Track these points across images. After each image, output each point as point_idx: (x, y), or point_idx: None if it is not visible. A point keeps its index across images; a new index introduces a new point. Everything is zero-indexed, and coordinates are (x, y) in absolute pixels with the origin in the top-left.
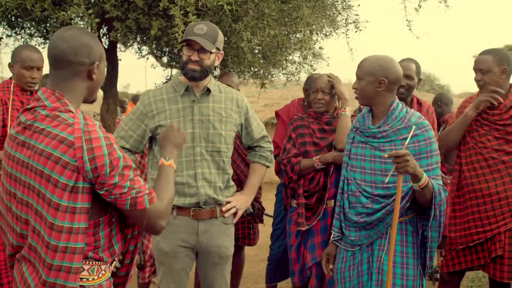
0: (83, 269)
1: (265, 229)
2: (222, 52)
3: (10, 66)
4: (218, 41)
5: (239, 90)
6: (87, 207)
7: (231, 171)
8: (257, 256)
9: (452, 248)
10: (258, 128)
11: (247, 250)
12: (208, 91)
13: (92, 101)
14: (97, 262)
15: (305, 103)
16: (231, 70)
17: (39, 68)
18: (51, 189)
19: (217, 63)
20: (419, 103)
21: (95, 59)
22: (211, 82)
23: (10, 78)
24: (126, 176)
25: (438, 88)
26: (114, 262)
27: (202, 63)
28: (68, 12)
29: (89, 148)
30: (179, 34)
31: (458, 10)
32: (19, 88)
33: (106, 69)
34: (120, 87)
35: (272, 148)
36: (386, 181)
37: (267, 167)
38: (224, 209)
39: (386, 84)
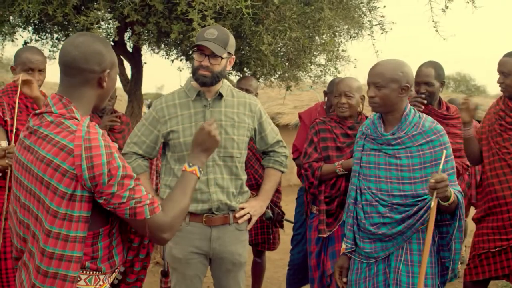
0: (80, 279)
1: (290, 233)
2: (234, 56)
3: (12, 69)
4: (229, 45)
5: (257, 94)
6: (86, 216)
7: (244, 177)
8: (282, 260)
9: (475, 254)
10: (273, 133)
11: (272, 254)
12: (220, 95)
13: (102, 110)
14: (95, 272)
15: (326, 107)
16: (255, 73)
17: (40, 70)
18: (50, 196)
19: (229, 67)
20: (447, 107)
21: (106, 67)
22: (223, 86)
23: (14, 81)
24: (126, 186)
25: (474, 88)
26: (115, 273)
27: (213, 68)
28: (89, 17)
29: (88, 156)
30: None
31: (496, 9)
32: (21, 91)
33: (130, 73)
34: (154, 89)
35: (287, 153)
36: (432, 205)
37: (282, 172)
38: (237, 215)
39: (408, 90)
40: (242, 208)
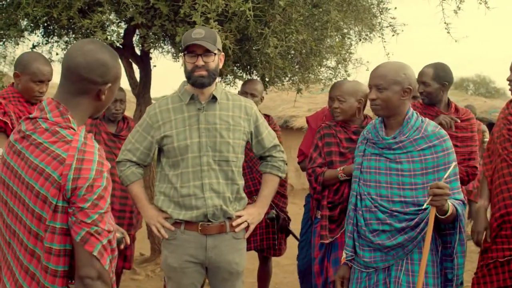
0: None
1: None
2: (223, 53)
3: (16, 75)
4: (218, 42)
5: (263, 98)
6: (67, 228)
7: (241, 182)
8: (292, 265)
9: (483, 263)
10: (269, 137)
11: (282, 259)
12: (214, 98)
13: (97, 118)
14: None
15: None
16: (263, 76)
17: (49, 81)
18: (40, 205)
19: (220, 65)
20: (457, 109)
21: (108, 80)
22: (217, 89)
23: (11, 85)
24: (98, 209)
25: (494, 91)
26: None
27: (208, 67)
28: (93, 20)
29: (77, 168)
30: None
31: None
32: (24, 99)
33: (139, 76)
34: (172, 91)
35: (285, 158)
36: (424, 207)
37: (280, 177)
38: (234, 223)
39: (410, 92)
40: (239, 216)
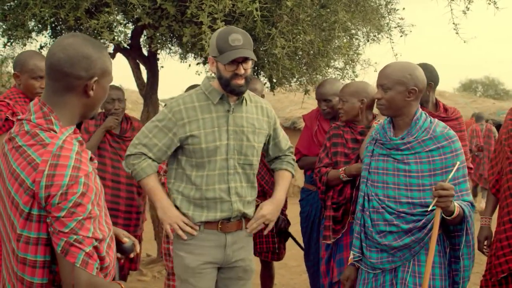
0: None
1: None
2: None
3: (16, 76)
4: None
5: (263, 96)
6: (46, 238)
7: (256, 184)
8: (299, 267)
9: (492, 273)
10: (285, 139)
11: (289, 260)
12: (242, 100)
13: (92, 118)
14: None
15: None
16: (271, 76)
17: None
18: (14, 211)
19: None
20: (445, 108)
21: (94, 74)
22: None
23: (14, 86)
24: (75, 216)
25: (503, 93)
26: None
27: (246, 74)
28: (100, 20)
29: (50, 174)
30: (206, 42)
31: None
32: (29, 99)
33: (146, 77)
34: (181, 92)
35: (294, 156)
36: (429, 209)
37: (292, 174)
38: (255, 224)
39: (416, 93)
40: (258, 215)
